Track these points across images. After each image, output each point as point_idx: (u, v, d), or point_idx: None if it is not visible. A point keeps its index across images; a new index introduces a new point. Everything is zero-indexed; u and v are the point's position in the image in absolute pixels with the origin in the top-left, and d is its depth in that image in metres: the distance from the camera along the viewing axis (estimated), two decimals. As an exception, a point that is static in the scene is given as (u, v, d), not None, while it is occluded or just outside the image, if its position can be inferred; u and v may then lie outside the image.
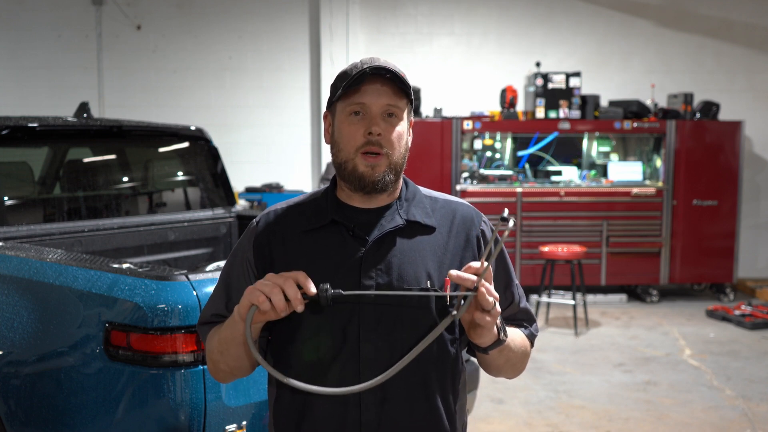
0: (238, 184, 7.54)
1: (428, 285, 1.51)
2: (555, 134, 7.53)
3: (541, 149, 7.73)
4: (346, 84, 1.50)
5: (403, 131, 1.55)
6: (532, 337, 1.70)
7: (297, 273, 1.39)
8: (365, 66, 1.50)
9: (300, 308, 1.38)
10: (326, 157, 7.94)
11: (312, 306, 1.42)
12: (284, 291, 1.37)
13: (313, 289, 1.38)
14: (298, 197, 1.66)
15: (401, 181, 1.61)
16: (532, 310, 1.69)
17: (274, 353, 1.59)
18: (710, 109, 7.63)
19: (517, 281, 1.69)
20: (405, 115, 1.56)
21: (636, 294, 7.71)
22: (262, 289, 1.37)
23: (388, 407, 1.49)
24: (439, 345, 1.52)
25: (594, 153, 7.91)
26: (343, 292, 1.41)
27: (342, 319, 1.48)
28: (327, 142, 1.60)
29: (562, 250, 6.31)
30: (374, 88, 1.51)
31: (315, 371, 1.50)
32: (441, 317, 1.51)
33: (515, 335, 1.62)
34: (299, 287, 1.39)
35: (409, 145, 1.59)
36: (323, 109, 1.66)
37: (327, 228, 1.55)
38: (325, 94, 1.54)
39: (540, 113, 7.49)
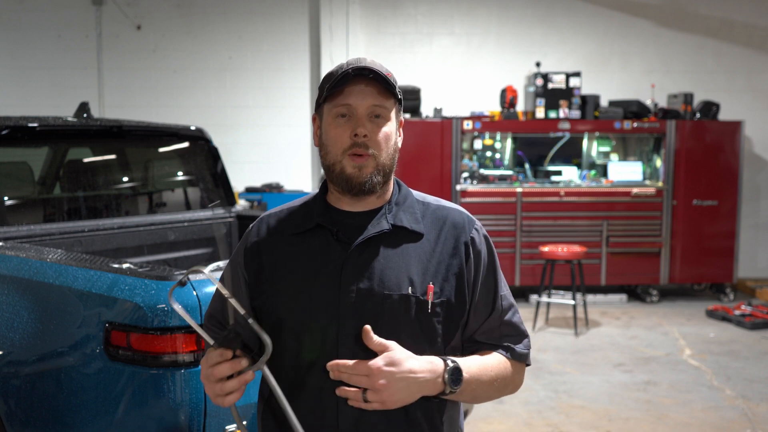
0: (238, 184, 7.54)
1: (410, 291, 1.49)
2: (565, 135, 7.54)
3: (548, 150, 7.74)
4: (329, 86, 1.49)
5: (390, 132, 1.53)
6: (521, 358, 1.61)
7: (208, 358, 1.41)
8: (349, 67, 1.49)
9: (250, 368, 1.40)
10: (326, 157, 7.93)
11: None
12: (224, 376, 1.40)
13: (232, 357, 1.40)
14: (294, 201, 1.65)
15: (392, 183, 1.59)
16: (522, 325, 1.64)
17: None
18: (710, 109, 7.63)
19: (505, 292, 1.62)
20: (393, 115, 1.54)
21: (636, 294, 7.71)
22: (215, 392, 1.42)
23: (367, 415, 1.45)
24: (418, 353, 1.46)
25: (594, 153, 7.91)
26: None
27: (321, 324, 1.47)
28: (316, 145, 1.59)
29: (562, 250, 6.31)
30: (359, 89, 1.49)
31: (295, 375, 1.50)
32: (420, 322, 1.49)
33: (485, 366, 1.53)
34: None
35: (399, 145, 1.57)
36: (323, 109, 1.63)
37: (313, 231, 1.54)
38: (325, 94, 1.52)
39: (540, 113, 7.49)
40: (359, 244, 1.50)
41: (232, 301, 1.38)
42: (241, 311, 1.38)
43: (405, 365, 1.41)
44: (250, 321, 1.38)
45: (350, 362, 1.41)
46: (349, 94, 1.49)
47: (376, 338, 1.42)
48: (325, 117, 1.54)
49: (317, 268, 1.50)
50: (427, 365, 1.44)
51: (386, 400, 1.41)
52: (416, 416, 1.49)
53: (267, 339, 1.36)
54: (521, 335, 1.63)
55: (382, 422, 1.46)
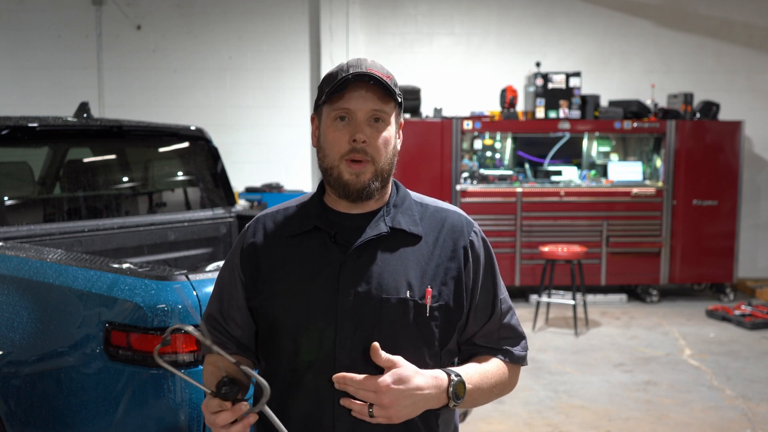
0: (238, 184, 7.54)
1: (408, 295, 1.48)
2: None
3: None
4: (329, 90, 1.47)
5: (390, 136, 1.51)
6: (519, 360, 1.62)
7: (207, 407, 1.38)
8: (349, 71, 1.47)
9: (251, 411, 1.37)
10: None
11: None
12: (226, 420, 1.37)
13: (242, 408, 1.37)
14: (290, 201, 1.64)
15: (390, 185, 1.58)
16: (520, 326, 1.65)
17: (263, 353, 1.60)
18: (710, 109, 7.63)
19: (504, 295, 1.62)
20: (392, 118, 1.52)
21: (636, 294, 7.71)
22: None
23: (363, 422, 1.44)
24: (416, 357, 1.48)
25: (594, 153, 7.91)
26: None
27: (318, 326, 1.47)
28: (314, 146, 1.57)
29: (562, 250, 6.31)
30: (359, 94, 1.47)
31: (291, 377, 1.50)
32: (419, 326, 1.49)
33: (486, 374, 1.54)
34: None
35: (398, 148, 1.56)
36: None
37: (311, 233, 1.53)
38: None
39: (540, 113, 7.49)
40: (357, 247, 1.49)
41: (216, 349, 1.36)
42: (231, 360, 1.36)
43: (412, 382, 1.41)
44: (243, 368, 1.37)
45: (357, 377, 1.41)
46: (348, 99, 1.47)
47: (384, 355, 1.42)
48: (323, 119, 1.52)
49: (315, 271, 1.49)
50: (433, 381, 1.45)
51: (392, 416, 1.41)
52: (414, 420, 1.48)
53: (264, 382, 1.35)
54: (519, 337, 1.63)
55: (380, 425, 1.45)
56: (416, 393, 1.41)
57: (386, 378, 1.40)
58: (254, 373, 1.36)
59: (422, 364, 1.48)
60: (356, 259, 1.49)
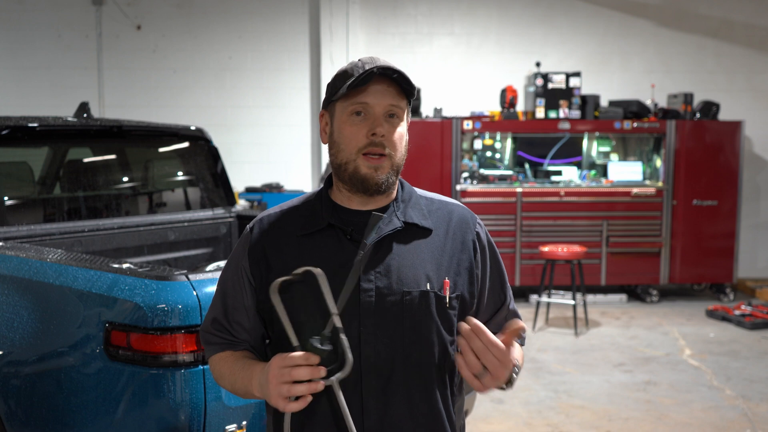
0: (238, 184, 7.54)
1: (428, 287, 1.50)
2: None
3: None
4: (351, 83, 1.47)
5: (404, 132, 1.54)
6: (523, 342, 1.69)
7: (292, 358, 1.36)
8: (371, 66, 1.47)
9: (325, 380, 1.36)
10: (326, 157, 7.93)
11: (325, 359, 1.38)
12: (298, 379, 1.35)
13: (314, 359, 1.35)
14: (292, 201, 1.63)
15: (397, 182, 1.60)
16: (519, 310, 1.73)
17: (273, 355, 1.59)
18: (710, 109, 7.63)
19: (509, 284, 1.70)
20: (405, 115, 1.55)
21: (636, 294, 7.71)
22: (280, 393, 1.36)
23: (391, 412, 1.47)
24: (439, 348, 1.51)
25: (594, 153, 7.91)
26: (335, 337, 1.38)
27: (342, 322, 1.46)
28: (324, 142, 1.57)
29: (562, 250, 6.31)
30: (380, 89, 1.48)
31: None
32: (440, 317, 1.51)
33: (519, 356, 1.58)
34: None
35: (407, 145, 1.58)
36: (323, 108, 1.61)
37: (323, 232, 1.53)
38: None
39: (540, 113, 7.49)
40: (374, 243, 1.49)
41: (331, 307, 1.37)
42: (339, 324, 1.37)
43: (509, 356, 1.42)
44: (342, 336, 1.37)
45: (493, 337, 1.37)
46: (368, 93, 1.48)
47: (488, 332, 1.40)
48: (337, 115, 1.52)
49: (332, 269, 1.48)
50: None
51: (489, 387, 1.41)
52: (438, 408, 1.51)
53: (350, 357, 1.36)
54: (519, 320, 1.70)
55: (407, 415, 1.48)
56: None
57: (510, 352, 1.39)
58: (346, 344, 1.36)
59: (446, 354, 1.52)
60: (373, 254, 1.50)
